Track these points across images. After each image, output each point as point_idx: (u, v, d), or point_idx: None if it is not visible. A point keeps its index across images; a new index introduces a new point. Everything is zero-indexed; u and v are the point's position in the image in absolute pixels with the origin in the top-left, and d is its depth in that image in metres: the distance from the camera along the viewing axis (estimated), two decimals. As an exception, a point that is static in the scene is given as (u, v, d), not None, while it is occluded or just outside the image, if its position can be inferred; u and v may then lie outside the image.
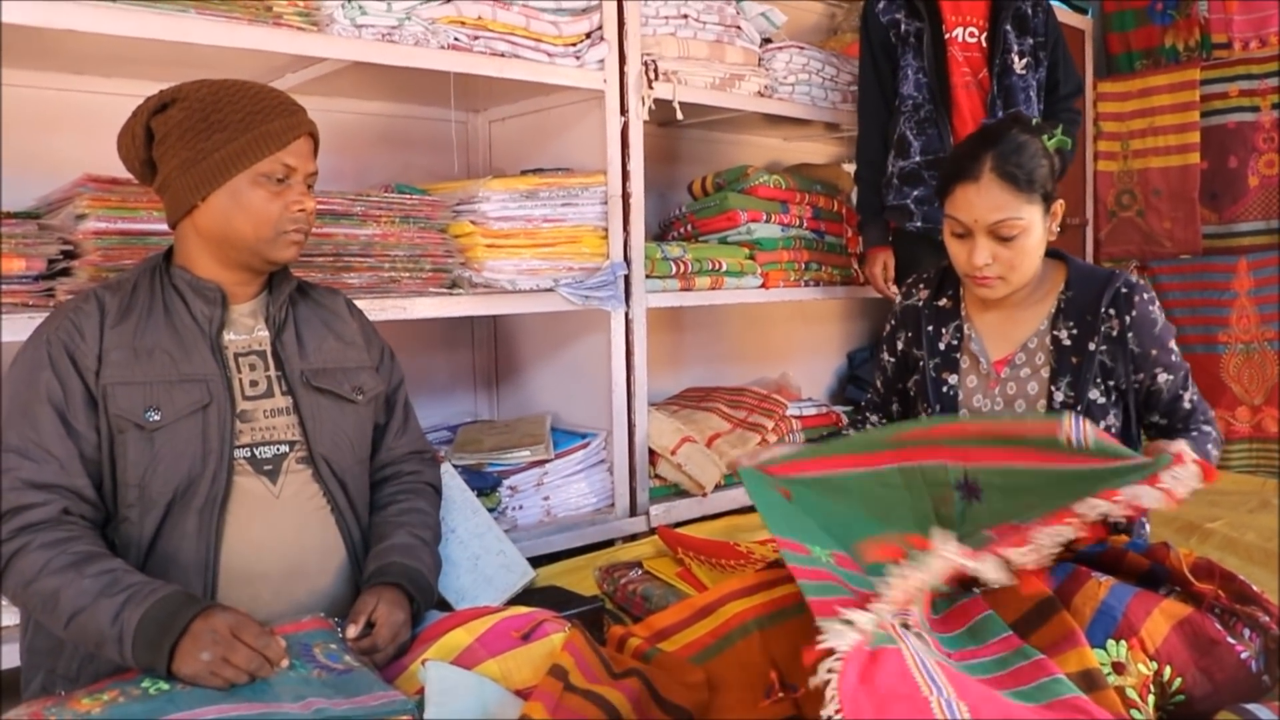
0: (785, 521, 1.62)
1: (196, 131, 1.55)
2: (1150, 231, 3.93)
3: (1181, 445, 1.56)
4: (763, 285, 2.97)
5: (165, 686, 1.28)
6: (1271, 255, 3.63)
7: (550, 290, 2.45)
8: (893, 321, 2.18)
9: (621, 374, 2.64)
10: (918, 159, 2.80)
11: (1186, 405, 1.97)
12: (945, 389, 2.03)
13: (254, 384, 1.62)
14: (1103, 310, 1.93)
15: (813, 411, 3.20)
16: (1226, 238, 3.79)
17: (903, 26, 2.83)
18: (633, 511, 2.67)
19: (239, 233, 1.57)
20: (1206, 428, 1.96)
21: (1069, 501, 1.50)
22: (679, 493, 2.78)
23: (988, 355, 2.01)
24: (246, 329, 1.65)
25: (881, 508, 1.72)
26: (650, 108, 2.62)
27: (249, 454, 1.57)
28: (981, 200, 1.88)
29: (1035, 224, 1.90)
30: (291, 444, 1.62)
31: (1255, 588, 1.69)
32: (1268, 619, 1.61)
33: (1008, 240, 1.89)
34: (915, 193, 2.80)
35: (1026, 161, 1.89)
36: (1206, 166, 3.80)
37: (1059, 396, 1.93)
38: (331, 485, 1.64)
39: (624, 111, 2.59)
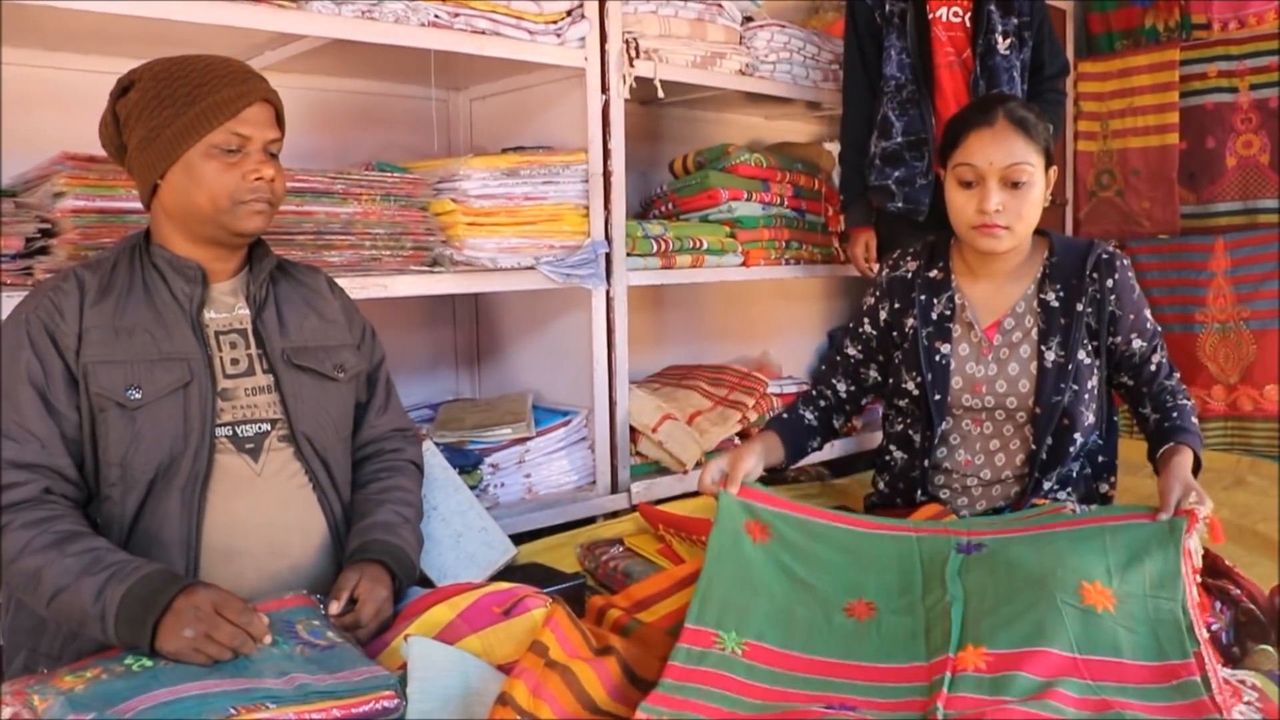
0: (723, 584, 1.58)
1: (150, 110, 1.53)
2: (1129, 211, 3.95)
3: (1188, 491, 1.69)
4: (744, 263, 2.98)
5: (149, 663, 1.29)
6: (1248, 235, 3.65)
7: (531, 268, 2.45)
8: (876, 293, 2.19)
9: (603, 352, 2.65)
10: (899, 140, 2.80)
11: (1152, 367, 2.06)
12: (938, 358, 2.05)
13: (235, 362, 1.62)
14: (1087, 274, 2.01)
15: (793, 389, 3.21)
16: (1204, 218, 3.81)
17: (887, 7, 2.82)
18: (614, 489, 2.68)
19: (198, 207, 1.56)
20: (1183, 400, 2.04)
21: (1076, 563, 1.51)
22: (660, 470, 2.79)
23: (979, 322, 2.05)
24: (227, 307, 1.65)
25: (865, 566, 1.68)
26: (631, 86, 2.61)
27: (230, 432, 1.58)
28: (996, 144, 1.94)
29: (1039, 177, 1.96)
30: (273, 422, 1.62)
31: (1227, 562, 1.72)
32: (1239, 592, 1.64)
33: (1017, 187, 1.94)
34: (896, 173, 2.80)
35: (1034, 114, 1.98)
36: (1185, 147, 3.81)
37: (1050, 356, 1.99)
38: (313, 463, 1.64)
39: (605, 89, 2.58)
